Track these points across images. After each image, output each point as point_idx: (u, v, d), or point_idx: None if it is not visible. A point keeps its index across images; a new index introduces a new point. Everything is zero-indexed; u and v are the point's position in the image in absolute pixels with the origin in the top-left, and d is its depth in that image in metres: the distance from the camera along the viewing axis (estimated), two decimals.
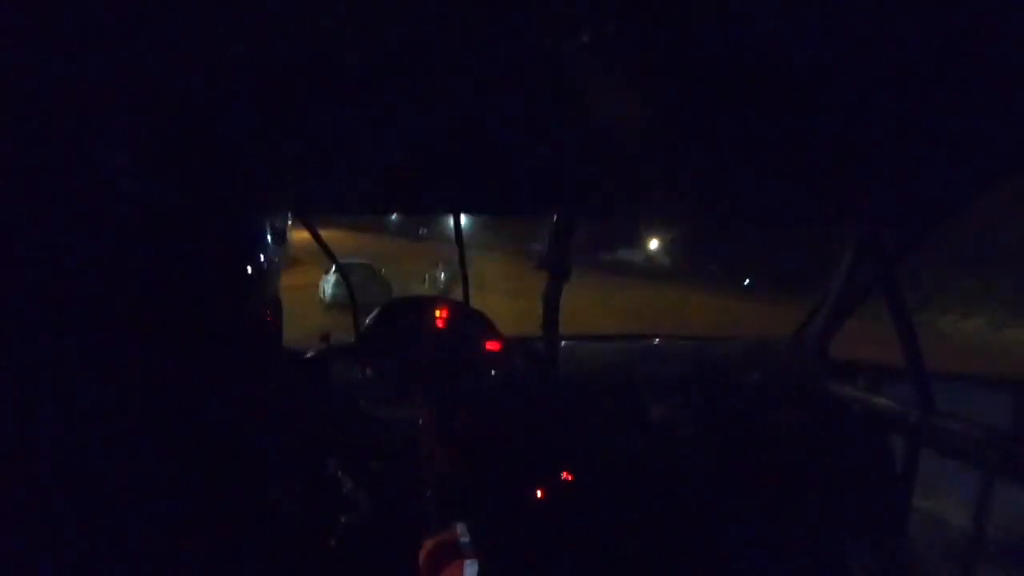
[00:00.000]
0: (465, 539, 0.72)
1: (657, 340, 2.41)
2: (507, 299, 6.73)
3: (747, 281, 18.97)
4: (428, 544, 0.71)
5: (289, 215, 1.36)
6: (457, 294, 2.01)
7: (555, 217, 1.74)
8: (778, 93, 1.00)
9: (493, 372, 1.84)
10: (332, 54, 0.82)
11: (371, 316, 1.92)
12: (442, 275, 14.43)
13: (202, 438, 0.57)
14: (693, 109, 1.06)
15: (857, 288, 1.90)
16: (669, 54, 0.87)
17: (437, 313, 1.88)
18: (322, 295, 11.85)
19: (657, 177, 1.44)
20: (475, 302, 1.94)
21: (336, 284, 11.23)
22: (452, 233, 1.89)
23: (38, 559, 0.47)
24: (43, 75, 0.55)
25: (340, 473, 1.21)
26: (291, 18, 0.73)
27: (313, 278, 12.59)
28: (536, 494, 1.73)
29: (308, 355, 1.63)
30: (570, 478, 1.77)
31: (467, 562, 0.67)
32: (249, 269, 0.66)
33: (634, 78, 0.90)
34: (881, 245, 1.71)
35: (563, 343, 1.90)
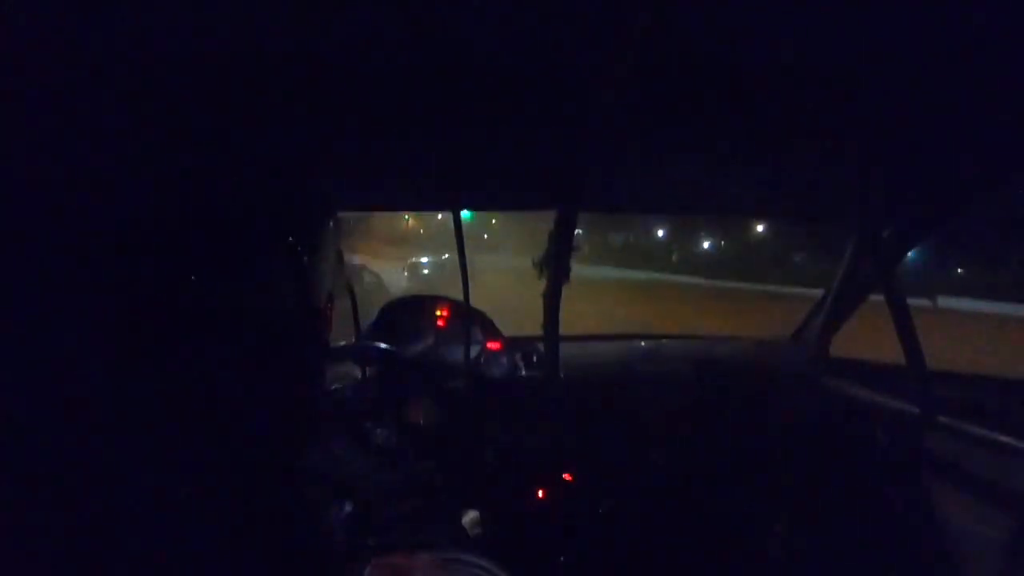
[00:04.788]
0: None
1: (657, 340, 2.40)
2: None
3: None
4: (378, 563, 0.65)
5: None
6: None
7: (555, 214, 1.74)
8: (779, 90, 1.00)
9: (493, 371, 1.84)
10: (333, 52, 0.82)
11: (373, 315, 1.92)
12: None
13: (228, 439, 0.57)
14: (694, 104, 1.06)
15: (857, 288, 1.90)
16: (670, 48, 0.86)
17: (438, 312, 1.87)
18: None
19: (660, 172, 1.44)
20: None
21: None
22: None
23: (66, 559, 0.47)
24: (77, 72, 0.55)
25: (338, 473, 1.20)
26: (294, 16, 0.73)
27: None
28: (536, 494, 1.73)
29: None
30: (570, 478, 1.77)
31: None
32: (286, 269, 0.65)
33: (635, 72, 0.90)
34: (881, 245, 1.70)
35: (563, 343, 1.90)
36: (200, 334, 0.55)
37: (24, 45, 0.53)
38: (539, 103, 1.05)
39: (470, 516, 1.28)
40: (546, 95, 1.02)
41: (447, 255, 17.10)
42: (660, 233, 28.31)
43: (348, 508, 1.03)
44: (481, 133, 1.18)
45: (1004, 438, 1.32)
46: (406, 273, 15.06)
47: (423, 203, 1.92)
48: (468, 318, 1.81)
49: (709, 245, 27.03)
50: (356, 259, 13.57)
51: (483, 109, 1.08)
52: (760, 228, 22.18)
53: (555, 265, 1.70)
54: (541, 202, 1.71)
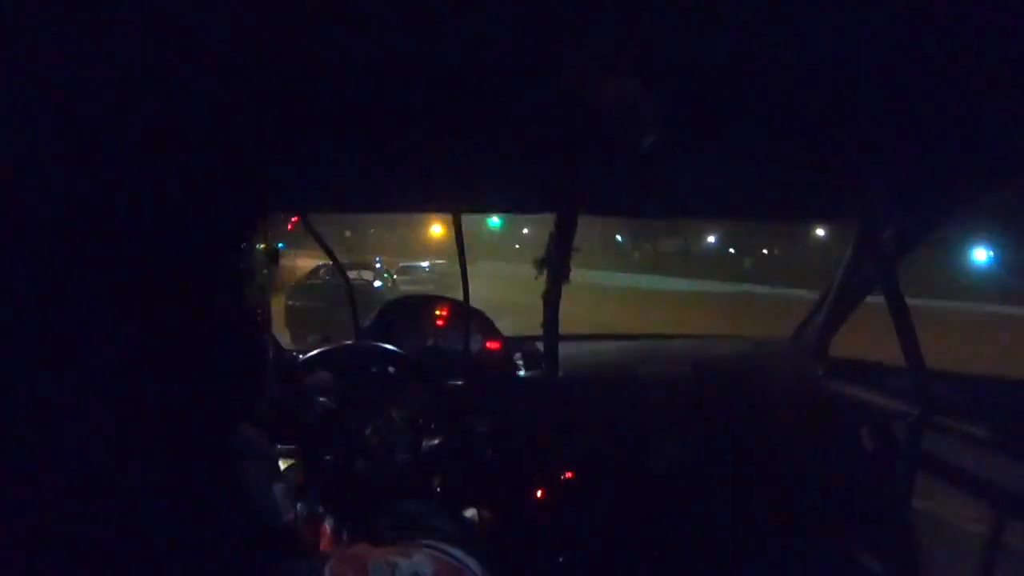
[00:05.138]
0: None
1: (657, 340, 2.41)
2: None
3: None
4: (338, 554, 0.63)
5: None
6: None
7: (555, 216, 1.74)
8: (780, 92, 1.00)
9: (493, 371, 1.84)
10: (332, 51, 0.83)
11: (372, 316, 1.92)
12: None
13: (185, 438, 0.58)
14: (695, 107, 1.06)
15: (857, 288, 1.90)
16: (671, 52, 0.87)
17: (437, 312, 1.88)
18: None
19: (659, 174, 1.44)
20: None
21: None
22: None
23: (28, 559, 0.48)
24: (41, 74, 0.55)
25: (335, 475, 1.21)
26: (289, 14, 0.73)
27: None
28: (537, 494, 1.73)
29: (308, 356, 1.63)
30: (571, 477, 1.77)
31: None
32: (236, 268, 0.66)
33: (637, 75, 0.90)
34: (881, 245, 1.70)
35: (562, 342, 1.90)
36: (119, 334, 0.55)
37: None
38: (538, 106, 1.05)
39: (469, 512, 1.28)
40: (545, 98, 1.02)
41: (442, 260, 18.06)
42: (711, 239, 25.88)
43: (343, 507, 1.03)
44: (480, 135, 1.18)
45: (1004, 438, 1.32)
46: (395, 276, 15.68)
47: (423, 206, 1.92)
48: (467, 317, 1.81)
49: (768, 252, 24.40)
50: (380, 261, 14.89)
51: (482, 111, 1.08)
52: (820, 232, 19.72)
53: (555, 266, 1.70)
54: (539, 205, 1.71)
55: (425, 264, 17.90)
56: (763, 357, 2.17)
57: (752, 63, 0.91)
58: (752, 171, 1.43)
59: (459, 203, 1.65)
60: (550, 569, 1.71)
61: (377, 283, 12.44)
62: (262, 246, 0.69)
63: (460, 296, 1.84)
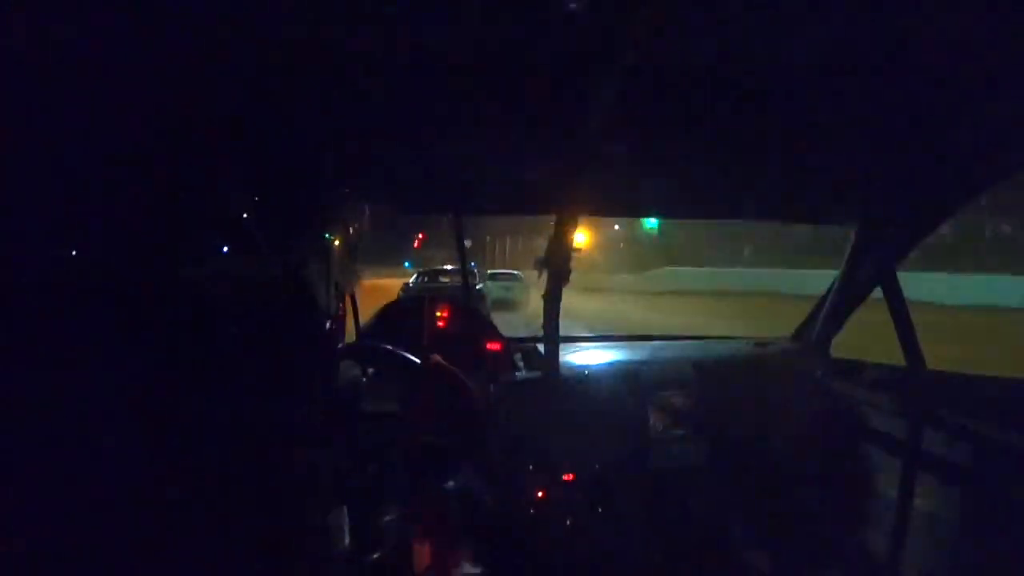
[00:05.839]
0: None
1: (658, 341, 2.41)
2: None
3: None
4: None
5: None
6: None
7: (556, 217, 1.74)
8: (779, 93, 1.00)
9: (493, 373, 1.84)
10: (340, 50, 0.83)
11: (372, 316, 1.92)
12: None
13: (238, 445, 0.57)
14: (694, 107, 1.06)
15: (857, 288, 1.90)
16: (670, 53, 0.87)
17: (439, 314, 1.88)
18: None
19: (658, 175, 1.44)
20: None
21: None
22: None
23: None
24: (82, 69, 0.55)
25: (340, 475, 1.21)
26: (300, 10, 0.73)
27: None
28: (536, 494, 1.73)
29: None
30: (571, 478, 1.77)
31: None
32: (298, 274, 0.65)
33: (635, 77, 0.91)
34: (881, 245, 1.71)
35: (563, 344, 1.90)
36: (198, 339, 0.54)
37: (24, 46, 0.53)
38: (540, 108, 1.05)
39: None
40: (545, 100, 1.02)
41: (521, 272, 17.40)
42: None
43: (350, 508, 1.03)
44: (482, 137, 1.19)
45: (1004, 438, 1.32)
46: (487, 282, 15.48)
47: (425, 208, 1.93)
48: (468, 319, 1.81)
49: None
50: (475, 265, 14.68)
51: (485, 114, 1.08)
52: None
53: (555, 267, 1.70)
54: (540, 206, 1.71)
55: (517, 272, 17.56)
56: (764, 358, 2.17)
57: (753, 64, 0.91)
58: (752, 172, 1.44)
59: (459, 203, 1.65)
60: (550, 569, 1.70)
61: (479, 285, 13.02)
62: (336, 241, 0.68)
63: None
